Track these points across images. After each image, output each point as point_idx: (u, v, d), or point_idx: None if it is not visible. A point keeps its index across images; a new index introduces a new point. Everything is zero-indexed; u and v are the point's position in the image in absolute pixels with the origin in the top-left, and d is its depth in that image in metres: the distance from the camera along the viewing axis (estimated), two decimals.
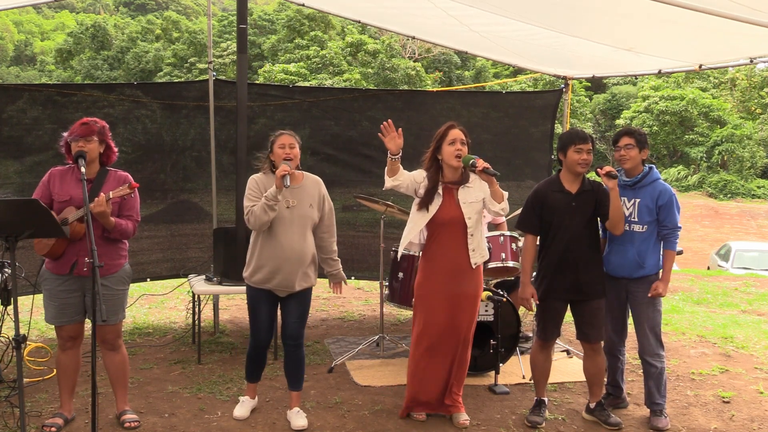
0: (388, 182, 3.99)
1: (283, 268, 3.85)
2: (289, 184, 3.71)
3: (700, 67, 5.42)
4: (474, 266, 4.07)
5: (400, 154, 3.90)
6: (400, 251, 4.37)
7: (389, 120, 3.87)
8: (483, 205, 4.09)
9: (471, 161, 3.93)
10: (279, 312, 4.08)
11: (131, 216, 3.88)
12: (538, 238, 4.22)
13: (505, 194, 4.00)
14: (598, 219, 4.17)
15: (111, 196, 3.66)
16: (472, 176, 4.08)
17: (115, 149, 3.96)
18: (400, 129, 3.87)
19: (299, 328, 4.04)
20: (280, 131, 4.01)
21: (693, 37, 4.56)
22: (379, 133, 3.88)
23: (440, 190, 4.04)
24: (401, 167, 3.97)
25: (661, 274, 4.18)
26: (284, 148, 3.89)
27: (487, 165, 3.87)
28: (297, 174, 4.00)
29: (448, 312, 4.06)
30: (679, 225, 4.16)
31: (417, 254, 4.25)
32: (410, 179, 4.03)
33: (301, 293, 3.99)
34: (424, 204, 4.02)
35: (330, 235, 4.12)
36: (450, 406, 4.19)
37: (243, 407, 4.13)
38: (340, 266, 4.18)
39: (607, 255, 4.26)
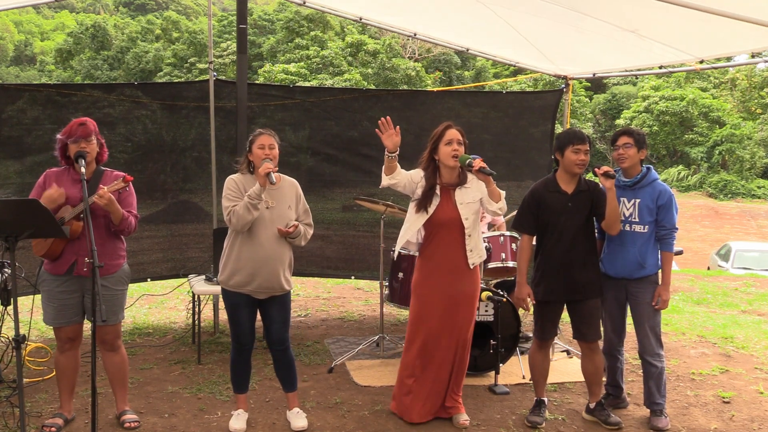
0: (385, 180, 3.98)
1: (263, 269, 3.79)
2: (275, 181, 3.68)
3: (701, 62, 5.41)
4: (471, 266, 4.07)
5: (398, 152, 3.89)
6: (397, 251, 4.37)
7: (387, 117, 3.86)
8: (480, 205, 4.09)
9: (467, 161, 3.93)
10: (259, 316, 4.03)
11: (130, 212, 3.89)
12: (535, 238, 4.23)
13: (503, 193, 4.00)
14: (595, 219, 4.17)
15: (107, 190, 3.66)
16: (470, 176, 4.08)
17: (106, 147, 3.96)
18: (398, 127, 3.85)
19: (284, 333, 4.00)
20: (259, 131, 3.93)
21: (695, 26, 4.56)
22: (376, 130, 3.87)
23: (438, 191, 4.04)
24: (399, 166, 3.96)
25: (660, 277, 4.18)
26: (264, 149, 3.82)
27: (483, 164, 3.87)
28: (275, 175, 3.96)
29: (446, 313, 4.06)
30: (676, 226, 4.17)
31: (415, 253, 4.26)
32: (408, 178, 4.02)
33: (282, 297, 3.94)
34: (423, 205, 4.02)
35: (307, 224, 4.00)
36: (450, 408, 4.19)
37: (239, 420, 4.01)
38: (301, 229, 3.92)
39: (607, 255, 4.26)
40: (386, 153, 3.88)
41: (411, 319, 4.18)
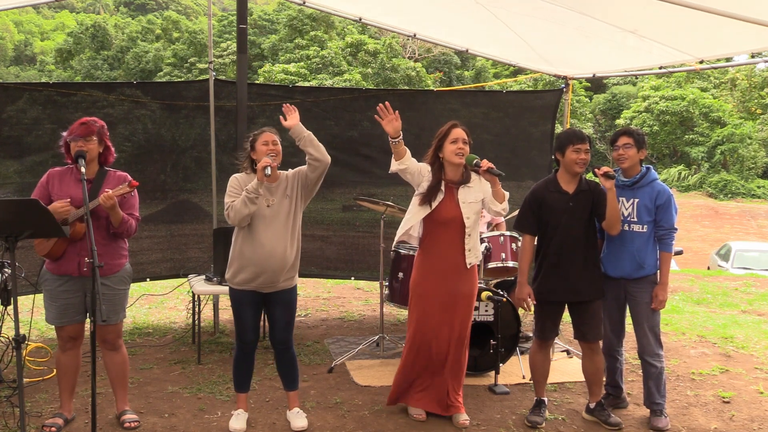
0: (394, 165, 3.99)
1: (266, 268, 3.80)
2: (270, 173, 3.68)
3: (701, 62, 5.41)
4: (469, 266, 4.07)
5: (401, 137, 3.91)
6: (396, 240, 4.37)
7: (386, 102, 3.88)
8: (482, 205, 4.10)
9: (474, 161, 3.95)
10: (265, 313, 4.05)
11: (132, 214, 3.90)
12: (536, 238, 4.23)
13: (507, 194, 4.01)
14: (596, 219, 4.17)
15: (112, 194, 3.66)
16: (473, 176, 4.09)
17: (113, 150, 3.96)
18: (396, 112, 3.88)
19: (287, 334, 4.02)
20: (262, 128, 3.95)
21: (695, 26, 4.56)
22: (375, 116, 3.90)
23: (442, 187, 4.05)
24: (407, 150, 3.98)
25: (658, 277, 4.18)
26: (268, 145, 3.85)
27: (491, 165, 3.89)
28: (277, 173, 3.95)
29: (444, 312, 4.07)
30: (675, 226, 4.16)
31: (415, 247, 4.27)
32: (417, 168, 4.05)
33: (287, 295, 3.95)
34: (427, 199, 4.03)
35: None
36: (450, 407, 4.19)
37: (239, 420, 4.01)
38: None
39: (607, 255, 4.26)
40: (390, 139, 3.91)
41: (411, 319, 4.18)
